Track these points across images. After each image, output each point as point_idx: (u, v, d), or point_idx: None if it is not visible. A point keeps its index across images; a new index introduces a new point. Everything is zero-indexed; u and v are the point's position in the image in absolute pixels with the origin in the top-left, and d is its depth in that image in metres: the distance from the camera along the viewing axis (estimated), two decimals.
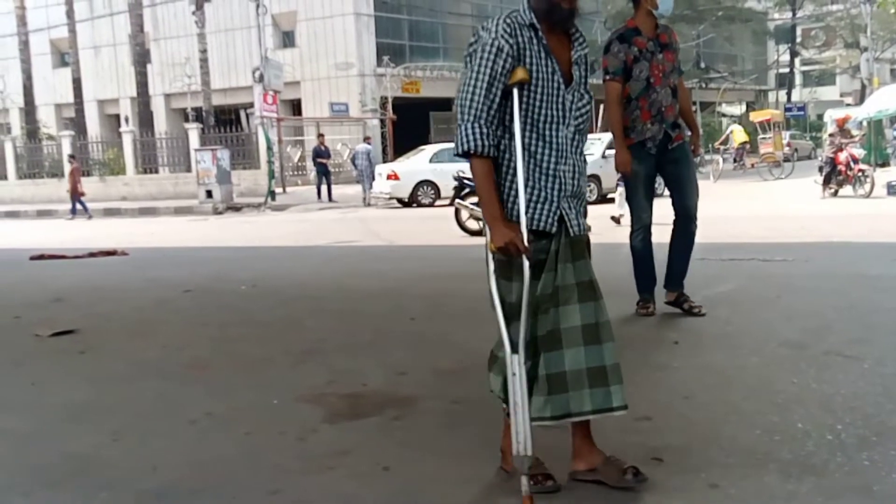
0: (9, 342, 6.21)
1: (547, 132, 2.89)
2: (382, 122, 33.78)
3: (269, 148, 25.27)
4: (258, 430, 3.84)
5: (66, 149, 30.40)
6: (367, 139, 26.87)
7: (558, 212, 2.90)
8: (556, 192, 2.90)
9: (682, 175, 5.66)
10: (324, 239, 13.61)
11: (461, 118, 2.84)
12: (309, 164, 30.70)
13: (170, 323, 6.75)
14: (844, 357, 4.54)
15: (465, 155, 2.85)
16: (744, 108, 54.92)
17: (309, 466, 3.34)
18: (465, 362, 4.91)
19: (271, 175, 24.64)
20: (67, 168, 24.39)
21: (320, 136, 26.19)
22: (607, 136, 22.03)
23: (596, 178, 19.62)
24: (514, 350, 2.79)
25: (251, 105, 28.49)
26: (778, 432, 3.41)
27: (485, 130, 2.81)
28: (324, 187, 24.32)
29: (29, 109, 36.21)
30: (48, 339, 6.10)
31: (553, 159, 2.90)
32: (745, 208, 15.42)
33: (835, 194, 17.09)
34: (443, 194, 21.94)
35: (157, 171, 30.98)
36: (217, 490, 3.14)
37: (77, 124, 34.95)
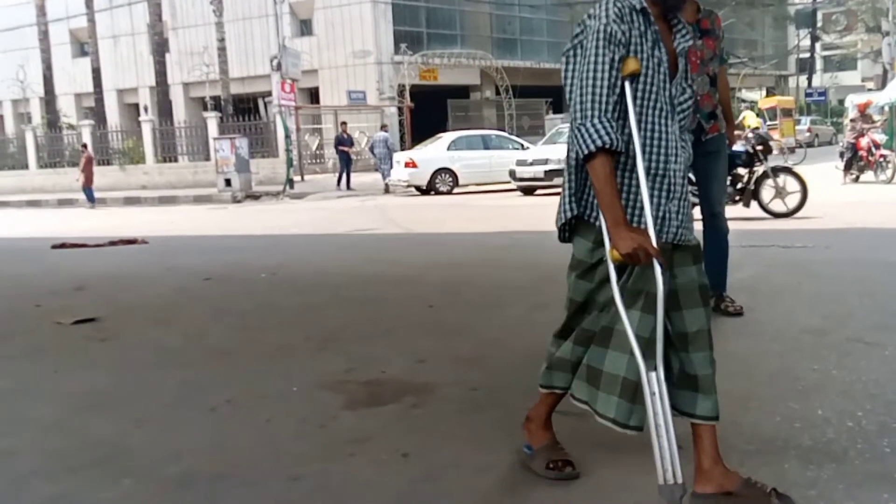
0: (31, 330, 6.27)
1: (653, 129, 2.67)
2: (400, 109, 33.76)
3: (288, 136, 25.32)
4: (279, 417, 3.87)
5: (87, 138, 30.59)
6: (383, 127, 26.88)
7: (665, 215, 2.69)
8: (663, 194, 2.69)
9: (711, 170, 5.38)
10: (342, 227, 13.64)
11: (582, 115, 2.58)
12: (327, 152, 30.75)
13: (190, 311, 6.80)
14: (866, 344, 4.51)
15: (591, 155, 2.57)
16: (764, 93, 54.50)
17: (329, 453, 3.36)
18: (483, 350, 4.92)
19: (289, 163, 24.70)
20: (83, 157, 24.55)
21: (343, 123, 26.22)
22: None
23: None
24: (651, 367, 2.57)
25: (269, 93, 28.54)
26: (798, 419, 3.40)
27: (613, 125, 2.56)
28: (343, 175, 24.35)
29: (49, 99, 36.43)
30: (70, 327, 6.15)
31: (661, 158, 2.68)
32: None
33: (856, 180, 16.96)
34: (461, 182, 21.95)
35: (176, 160, 31.14)
36: (239, 476, 3.16)
37: (97, 114, 35.16)
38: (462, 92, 38.71)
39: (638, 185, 2.65)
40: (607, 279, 2.68)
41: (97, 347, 5.55)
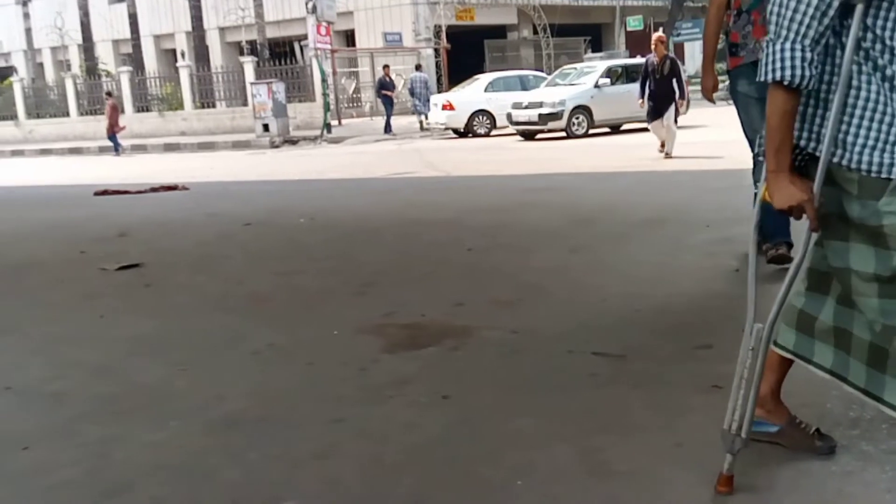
0: (76, 276, 6.38)
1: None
2: (437, 51, 33.42)
3: (324, 80, 25.22)
4: (320, 360, 3.91)
5: (126, 85, 30.72)
6: (418, 67, 26.67)
7: None
8: None
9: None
10: (380, 171, 13.63)
11: (776, 33, 2.13)
12: (365, 95, 30.60)
13: (231, 256, 6.87)
14: None
15: (772, 84, 2.16)
16: None
17: (370, 396, 3.40)
18: (521, 293, 4.92)
19: (327, 107, 24.64)
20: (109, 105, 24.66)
21: (385, 67, 26.06)
22: (602, 65, 21.01)
23: (587, 110, 18.90)
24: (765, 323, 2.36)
25: (305, 37, 28.35)
26: None
27: (808, 56, 2.09)
28: (383, 119, 24.25)
29: (87, 46, 36.60)
30: (114, 273, 6.25)
31: None
32: None
33: None
34: (498, 124, 21.77)
35: (214, 106, 31.16)
36: (282, 419, 3.22)
37: (134, 60, 35.26)
38: (499, 32, 38.20)
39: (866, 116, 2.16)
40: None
41: (141, 293, 5.65)
